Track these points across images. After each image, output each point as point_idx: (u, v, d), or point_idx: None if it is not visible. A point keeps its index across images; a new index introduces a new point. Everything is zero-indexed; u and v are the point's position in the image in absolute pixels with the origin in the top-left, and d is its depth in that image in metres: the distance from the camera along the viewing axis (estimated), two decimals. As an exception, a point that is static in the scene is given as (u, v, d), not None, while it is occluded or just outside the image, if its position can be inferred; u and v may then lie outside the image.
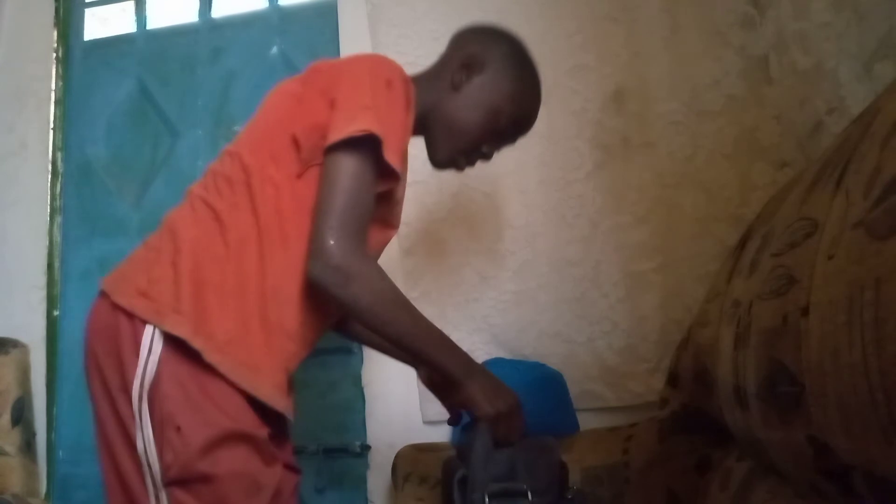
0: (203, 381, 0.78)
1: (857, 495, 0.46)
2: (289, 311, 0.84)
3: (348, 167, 0.80)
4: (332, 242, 0.78)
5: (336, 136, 0.79)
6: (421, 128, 0.97)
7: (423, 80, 0.97)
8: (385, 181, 0.84)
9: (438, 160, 0.99)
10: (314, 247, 0.79)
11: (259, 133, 0.88)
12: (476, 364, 0.89)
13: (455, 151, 0.97)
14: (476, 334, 1.41)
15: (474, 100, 0.94)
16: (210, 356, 0.78)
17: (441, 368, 0.86)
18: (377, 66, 0.86)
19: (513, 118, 0.96)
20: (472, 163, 0.99)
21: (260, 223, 0.83)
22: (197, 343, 0.78)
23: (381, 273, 0.82)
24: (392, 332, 0.83)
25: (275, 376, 0.83)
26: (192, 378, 0.78)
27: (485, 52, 0.95)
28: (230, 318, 0.80)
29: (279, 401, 0.84)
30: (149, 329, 0.78)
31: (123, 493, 0.79)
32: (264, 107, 0.92)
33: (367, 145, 0.80)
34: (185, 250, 0.82)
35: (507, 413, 0.86)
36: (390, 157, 0.80)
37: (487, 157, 0.99)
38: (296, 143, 0.84)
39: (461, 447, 0.86)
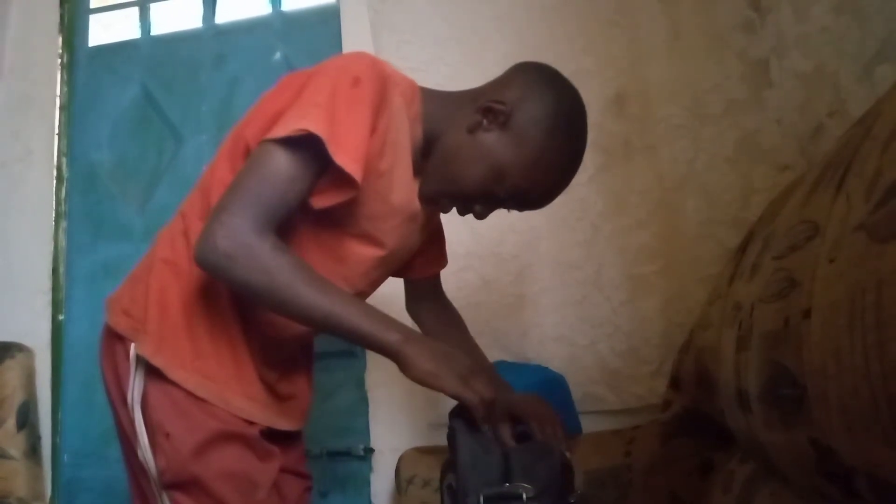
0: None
1: (859, 498, 0.46)
2: (250, 322, 0.83)
3: (273, 156, 0.72)
4: (220, 222, 0.70)
5: (275, 133, 0.72)
6: (424, 148, 0.86)
7: (448, 101, 0.86)
8: (341, 188, 0.74)
9: (422, 193, 0.86)
10: (203, 229, 0.72)
11: (229, 143, 0.85)
12: (416, 332, 0.76)
13: (441, 194, 0.85)
14: (478, 338, 1.40)
15: (481, 152, 0.80)
16: (173, 374, 0.79)
17: (371, 344, 0.73)
18: (348, 64, 0.77)
19: (516, 190, 0.81)
20: (460, 212, 0.86)
21: None
22: (157, 362, 0.79)
23: (274, 250, 0.71)
24: (298, 312, 0.73)
25: (247, 387, 0.84)
26: (178, 386, 0.80)
27: (519, 103, 0.79)
28: (196, 333, 0.81)
29: (255, 412, 0.84)
30: (134, 344, 0.81)
31: (140, 494, 0.84)
32: (242, 117, 0.87)
33: (306, 146, 0.71)
34: (155, 268, 0.84)
35: (471, 378, 0.73)
36: (341, 157, 0.71)
37: (479, 216, 0.84)
38: (248, 149, 0.79)
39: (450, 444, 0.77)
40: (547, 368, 1.34)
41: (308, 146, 0.72)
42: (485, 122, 0.80)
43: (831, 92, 1.04)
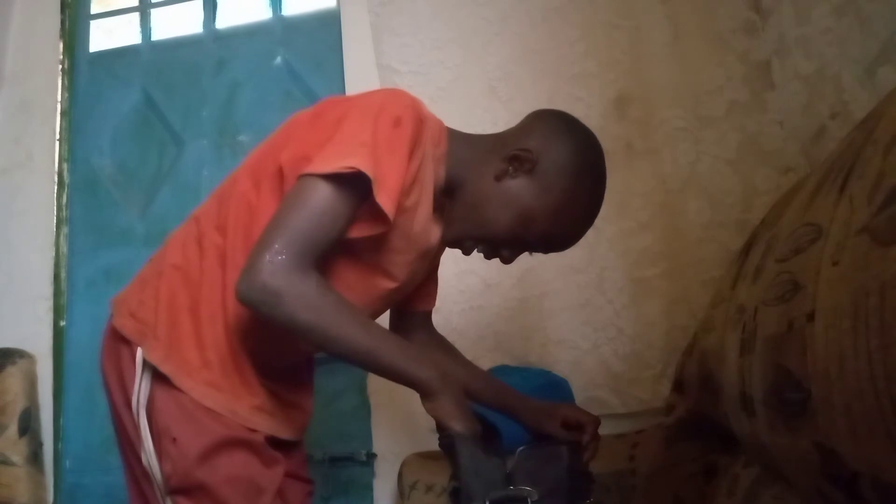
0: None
1: (864, 501, 0.46)
2: (254, 336, 0.83)
3: (320, 192, 0.73)
4: (265, 259, 0.71)
5: (321, 167, 0.73)
6: (445, 190, 0.87)
7: (473, 145, 0.87)
8: (373, 223, 0.77)
9: (447, 237, 0.89)
10: (247, 264, 0.72)
11: (255, 158, 0.86)
12: (450, 377, 0.81)
13: (469, 239, 0.87)
14: (481, 342, 1.41)
15: (509, 199, 0.82)
16: (180, 381, 0.79)
17: (409, 381, 0.77)
18: (389, 103, 0.79)
19: (544, 234, 0.83)
20: (487, 256, 0.88)
21: (227, 247, 0.81)
22: (166, 369, 0.80)
23: (320, 288, 0.74)
24: (343, 349, 0.75)
25: (253, 398, 0.84)
26: (184, 391, 0.80)
27: (543, 151, 0.81)
28: (203, 342, 0.81)
29: (260, 422, 0.84)
30: (141, 348, 0.81)
31: (141, 500, 0.84)
32: (272, 134, 0.88)
33: (348, 182, 0.73)
34: (165, 273, 0.84)
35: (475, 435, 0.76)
36: (381, 198, 0.74)
37: (506, 260, 0.87)
38: (280, 172, 0.80)
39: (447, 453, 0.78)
40: (550, 372, 1.34)
41: (351, 182, 0.73)
42: (511, 169, 0.82)
43: (833, 94, 1.04)
